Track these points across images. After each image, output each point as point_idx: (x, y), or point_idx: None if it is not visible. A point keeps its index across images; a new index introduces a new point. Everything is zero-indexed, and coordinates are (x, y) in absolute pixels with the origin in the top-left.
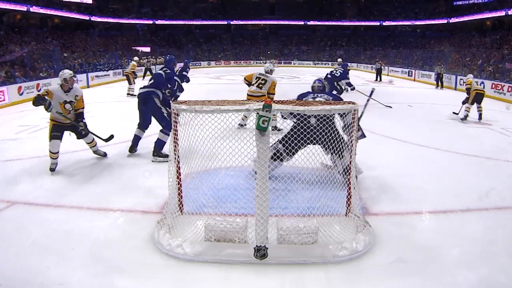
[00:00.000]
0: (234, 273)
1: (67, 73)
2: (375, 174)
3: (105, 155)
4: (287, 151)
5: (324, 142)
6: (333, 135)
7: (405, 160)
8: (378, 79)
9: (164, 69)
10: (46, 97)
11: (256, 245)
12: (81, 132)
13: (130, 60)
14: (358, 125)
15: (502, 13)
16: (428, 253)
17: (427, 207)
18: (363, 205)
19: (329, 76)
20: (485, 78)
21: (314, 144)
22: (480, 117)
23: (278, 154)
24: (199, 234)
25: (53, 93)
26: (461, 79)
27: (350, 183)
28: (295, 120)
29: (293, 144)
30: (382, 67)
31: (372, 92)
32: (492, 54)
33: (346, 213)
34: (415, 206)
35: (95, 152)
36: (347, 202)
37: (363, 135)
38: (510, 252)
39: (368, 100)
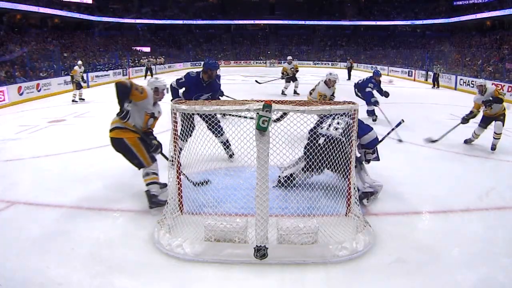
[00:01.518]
0: (234, 273)
1: (161, 83)
2: (374, 174)
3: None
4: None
5: (334, 166)
6: (343, 159)
7: (405, 160)
8: (349, 77)
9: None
10: (129, 103)
11: (256, 245)
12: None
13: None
14: (376, 148)
15: (502, 13)
16: (428, 253)
17: (427, 207)
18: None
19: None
20: (485, 78)
21: (327, 168)
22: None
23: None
24: (199, 234)
25: (147, 98)
26: (461, 79)
27: (350, 183)
28: (307, 142)
29: (310, 169)
30: (352, 65)
31: (399, 123)
32: (492, 54)
33: (346, 213)
34: (415, 206)
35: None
36: (347, 202)
37: (377, 158)
38: (510, 252)
39: (393, 129)
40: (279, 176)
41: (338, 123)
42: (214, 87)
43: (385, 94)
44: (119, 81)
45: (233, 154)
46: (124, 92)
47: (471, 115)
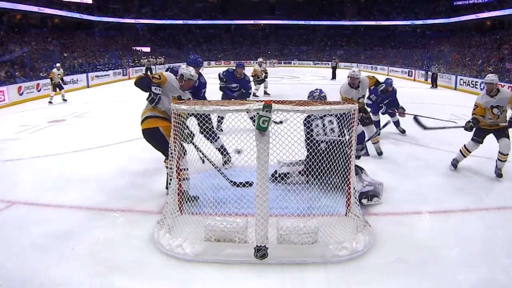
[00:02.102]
0: (234, 273)
1: (186, 70)
2: (374, 174)
3: (196, 199)
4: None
5: (336, 172)
6: (344, 161)
7: (404, 160)
8: (333, 76)
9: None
10: (158, 87)
11: (256, 245)
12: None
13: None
14: (364, 144)
15: (502, 13)
16: (428, 253)
17: (427, 207)
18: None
19: None
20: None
21: (330, 174)
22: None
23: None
24: (199, 234)
25: (167, 80)
26: (461, 79)
27: (350, 183)
28: (309, 149)
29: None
30: (337, 65)
31: (386, 124)
32: (492, 54)
33: (346, 213)
34: (415, 206)
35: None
36: (347, 202)
37: (366, 153)
38: (510, 252)
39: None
40: (275, 171)
41: (330, 121)
42: (196, 85)
43: (400, 109)
44: (135, 79)
45: (229, 161)
46: (144, 83)
47: (476, 123)
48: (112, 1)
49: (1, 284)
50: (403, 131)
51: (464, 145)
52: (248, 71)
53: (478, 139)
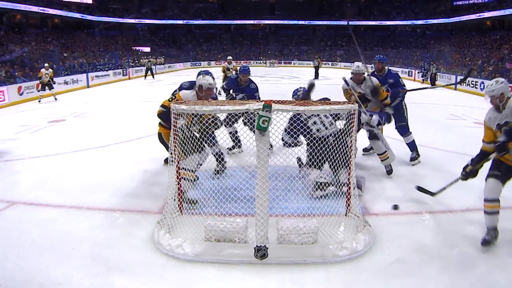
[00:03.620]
0: (234, 273)
1: (205, 80)
2: (374, 174)
3: (195, 202)
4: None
5: (336, 160)
6: (344, 152)
7: (404, 160)
8: (316, 76)
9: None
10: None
11: (256, 245)
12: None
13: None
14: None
15: (502, 13)
16: (428, 253)
17: (427, 207)
18: (363, 205)
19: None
20: (485, 78)
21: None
22: None
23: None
24: (199, 234)
25: (182, 99)
26: (461, 79)
27: (350, 183)
28: (314, 148)
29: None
30: (319, 64)
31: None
32: (492, 54)
33: (346, 213)
34: (415, 206)
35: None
36: (347, 202)
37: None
38: (510, 252)
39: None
40: (317, 182)
41: (325, 116)
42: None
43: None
44: (158, 113)
45: (222, 171)
46: (166, 116)
47: (483, 159)
48: (112, 1)
49: (1, 284)
50: (414, 158)
51: (484, 198)
52: (255, 70)
53: (496, 172)
